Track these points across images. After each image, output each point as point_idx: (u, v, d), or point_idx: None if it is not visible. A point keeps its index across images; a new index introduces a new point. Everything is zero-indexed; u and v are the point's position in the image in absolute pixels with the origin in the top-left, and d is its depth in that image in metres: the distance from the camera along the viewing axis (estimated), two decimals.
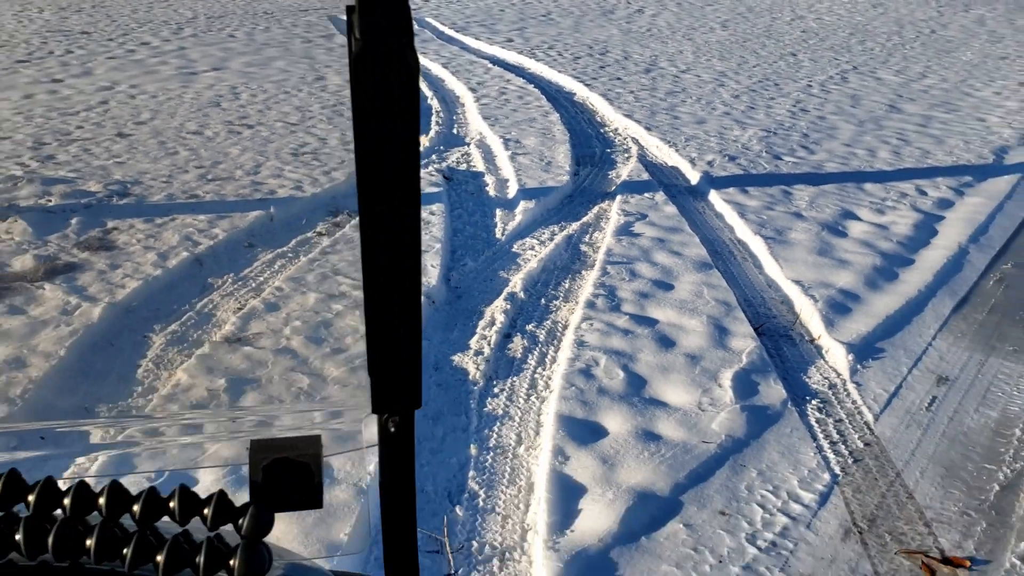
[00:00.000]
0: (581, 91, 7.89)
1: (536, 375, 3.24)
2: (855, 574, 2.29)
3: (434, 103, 7.30)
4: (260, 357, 3.17)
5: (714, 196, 5.18)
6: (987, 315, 3.82)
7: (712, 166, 5.68)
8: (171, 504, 0.66)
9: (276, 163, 5.38)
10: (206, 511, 0.65)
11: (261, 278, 3.85)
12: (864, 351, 3.41)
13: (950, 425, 2.97)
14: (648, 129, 6.53)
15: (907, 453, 2.81)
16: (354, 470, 2.61)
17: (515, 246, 4.42)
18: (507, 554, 2.39)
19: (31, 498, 0.68)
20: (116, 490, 0.67)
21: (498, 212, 4.88)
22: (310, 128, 6.21)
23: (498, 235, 4.56)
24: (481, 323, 3.59)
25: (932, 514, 2.53)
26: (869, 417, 3.00)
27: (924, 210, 5.04)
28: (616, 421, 2.90)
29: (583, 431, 2.85)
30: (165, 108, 6.60)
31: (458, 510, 2.55)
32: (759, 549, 2.37)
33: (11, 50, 9.22)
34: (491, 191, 5.21)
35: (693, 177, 5.53)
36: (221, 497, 0.66)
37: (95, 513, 0.67)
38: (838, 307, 3.77)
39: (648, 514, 2.49)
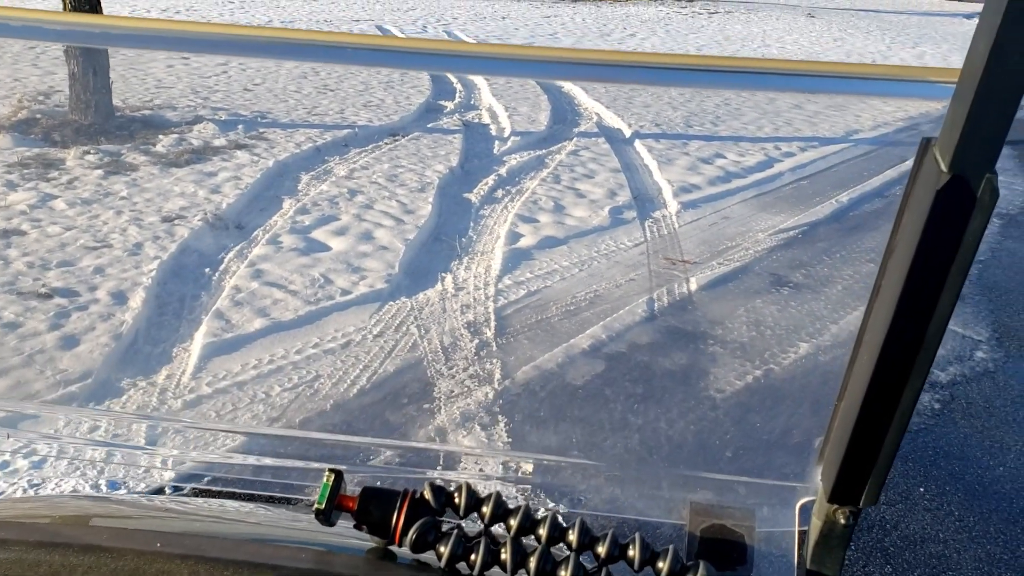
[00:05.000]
0: (568, 88, 10.74)
1: (508, 204, 6.02)
2: (637, 263, 5.06)
3: (458, 86, 10.14)
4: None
5: (637, 142, 7.98)
6: (774, 199, 6.59)
7: (642, 128, 8.50)
8: (630, 552, 0.74)
9: (354, 109, 8.23)
10: (660, 564, 0.73)
11: (356, 158, 6.68)
12: (688, 205, 6.19)
13: (716, 231, 5.74)
14: (607, 106, 9.35)
15: (689, 236, 5.58)
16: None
17: (504, 158, 7.22)
18: (486, 254, 5.17)
19: (512, 522, 0.77)
20: (581, 528, 0.77)
21: (496, 143, 7.70)
22: (372, 92, 9.07)
23: (495, 152, 7.37)
24: (481, 183, 6.40)
25: (687, 251, 5.30)
26: (676, 226, 5.77)
27: (772, 156, 7.81)
28: (545, 217, 5.69)
29: (527, 220, 5.63)
30: (269, 78, 9.48)
31: (463, 241, 5.33)
32: (599, 261, 5.15)
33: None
34: (493, 132, 8.03)
35: (627, 130, 8.35)
36: (675, 554, 0.73)
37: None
38: (685, 189, 6.54)
39: (550, 245, 5.27)
